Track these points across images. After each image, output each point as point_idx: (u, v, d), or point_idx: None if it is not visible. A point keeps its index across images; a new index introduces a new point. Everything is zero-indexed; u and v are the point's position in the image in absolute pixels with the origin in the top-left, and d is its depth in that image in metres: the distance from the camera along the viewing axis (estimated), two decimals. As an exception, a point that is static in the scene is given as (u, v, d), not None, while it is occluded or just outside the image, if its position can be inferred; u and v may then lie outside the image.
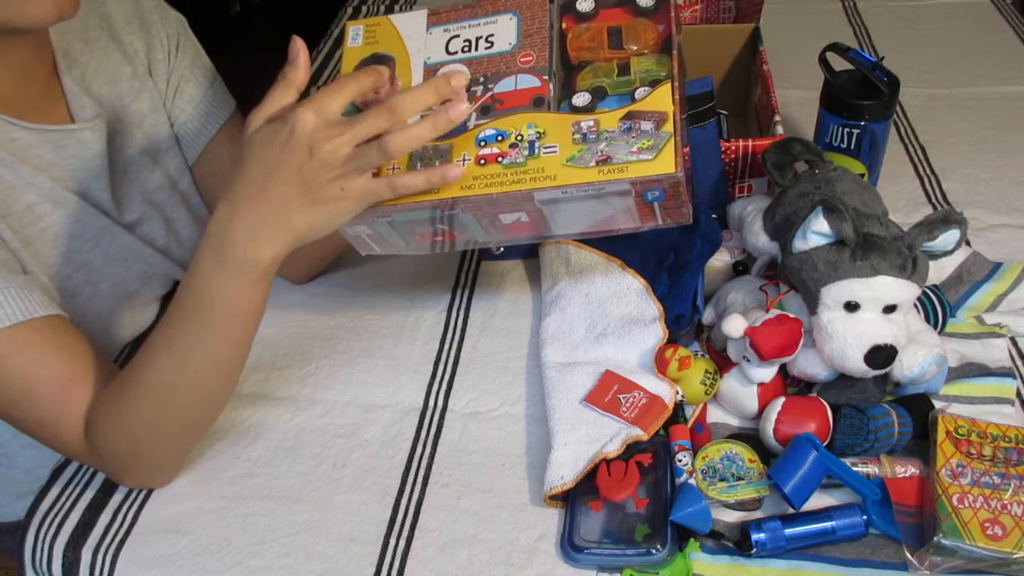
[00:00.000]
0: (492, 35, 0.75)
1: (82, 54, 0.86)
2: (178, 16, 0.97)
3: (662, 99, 0.69)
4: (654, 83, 0.70)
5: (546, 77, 0.73)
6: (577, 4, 0.75)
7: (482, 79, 0.74)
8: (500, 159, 0.70)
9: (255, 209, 0.67)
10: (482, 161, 0.70)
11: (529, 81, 0.73)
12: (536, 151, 0.70)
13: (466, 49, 0.75)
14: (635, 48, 0.72)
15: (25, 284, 0.75)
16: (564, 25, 0.75)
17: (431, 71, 0.75)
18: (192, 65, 0.96)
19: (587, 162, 0.68)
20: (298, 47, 0.69)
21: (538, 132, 0.71)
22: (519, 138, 0.71)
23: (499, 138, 0.71)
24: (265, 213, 0.67)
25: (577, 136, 0.70)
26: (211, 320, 0.71)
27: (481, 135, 0.71)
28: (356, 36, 0.78)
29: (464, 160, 0.71)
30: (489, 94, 0.73)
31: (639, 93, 0.70)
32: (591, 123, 0.70)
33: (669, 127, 0.68)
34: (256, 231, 0.67)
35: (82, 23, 0.87)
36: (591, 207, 0.71)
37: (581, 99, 0.71)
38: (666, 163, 0.67)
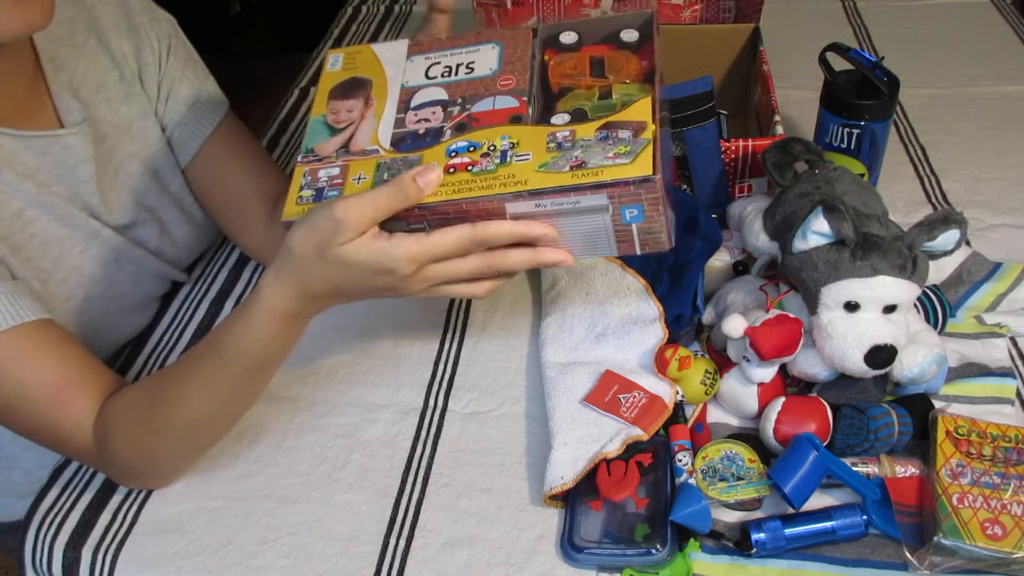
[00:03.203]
0: (473, 62, 0.75)
1: (69, 59, 0.85)
2: (168, 17, 0.95)
3: (641, 110, 0.68)
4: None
5: (525, 98, 0.71)
6: (560, 37, 0.75)
7: (460, 100, 0.73)
8: (470, 167, 0.68)
9: (327, 301, 0.71)
10: (451, 169, 0.68)
11: (508, 102, 0.72)
12: (508, 159, 0.68)
13: (446, 75, 0.75)
14: (617, 78, 0.71)
15: (14, 289, 0.75)
16: (546, 57, 0.74)
17: (408, 93, 0.74)
18: (184, 67, 0.95)
19: (561, 167, 0.66)
20: (432, 178, 0.66)
21: (511, 143, 0.69)
22: (491, 148, 0.68)
23: (471, 149, 0.69)
24: (334, 302, 0.72)
25: (552, 144, 0.68)
26: (259, 368, 0.74)
27: (452, 147, 0.69)
28: (336, 62, 0.78)
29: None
30: (466, 113, 0.72)
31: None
32: (567, 133, 0.68)
33: (648, 135, 0.66)
34: (321, 307, 0.72)
35: (69, 27, 0.86)
36: (566, 227, 0.69)
37: (560, 119, 0.69)
38: (643, 166, 0.64)
